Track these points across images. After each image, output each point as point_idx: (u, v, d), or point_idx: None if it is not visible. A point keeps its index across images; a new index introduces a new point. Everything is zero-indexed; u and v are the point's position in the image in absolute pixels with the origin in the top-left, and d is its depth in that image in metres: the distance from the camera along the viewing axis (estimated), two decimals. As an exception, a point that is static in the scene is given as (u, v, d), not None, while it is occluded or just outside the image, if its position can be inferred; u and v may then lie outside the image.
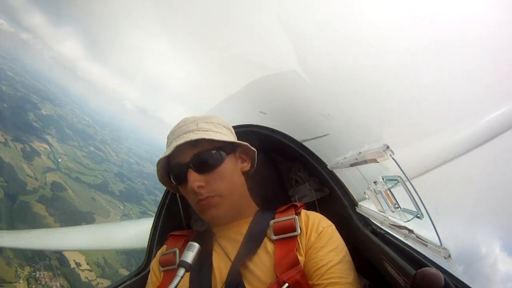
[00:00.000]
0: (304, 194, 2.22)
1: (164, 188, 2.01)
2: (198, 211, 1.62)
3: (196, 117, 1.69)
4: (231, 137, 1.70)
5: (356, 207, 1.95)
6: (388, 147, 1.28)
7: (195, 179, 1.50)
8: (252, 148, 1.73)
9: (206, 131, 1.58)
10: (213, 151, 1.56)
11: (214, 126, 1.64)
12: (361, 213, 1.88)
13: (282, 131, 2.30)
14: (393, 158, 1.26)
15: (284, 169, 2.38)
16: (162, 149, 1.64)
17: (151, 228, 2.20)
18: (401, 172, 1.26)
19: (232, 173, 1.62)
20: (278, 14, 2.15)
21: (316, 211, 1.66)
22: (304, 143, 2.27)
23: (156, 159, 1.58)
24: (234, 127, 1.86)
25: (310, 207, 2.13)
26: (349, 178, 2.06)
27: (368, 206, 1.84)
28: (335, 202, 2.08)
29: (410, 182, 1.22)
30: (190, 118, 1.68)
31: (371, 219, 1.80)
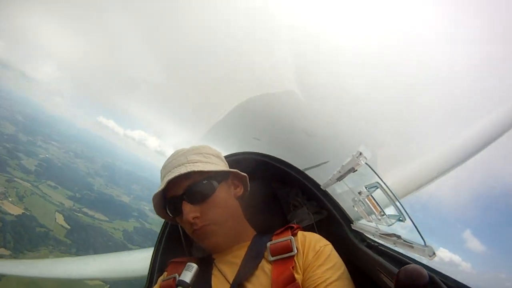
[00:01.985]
0: (303, 218, 2.22)
1: None
2: (195, 240, 1.67)
3: (186, 149, 1.76)
4: (221, 164, 1.77)
5: (351, 224, 1.98)
6: (360, 153, 1.33)
7: (189, 210, 1.56)
8: (242, 173, 1.79)
9: (196, 162, 1.65)
10: (204, 182, 1.62)
11: (203, 156, 1.71)
12: (357, 229, 1.91)
13: (276, 155, 2.37)
14: (366, 163, 1.32)
15: (282, 194, 2.40)
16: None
17: (152, 256, 2.23)
18: (377, 176, 1.32)
19: (226, 200, 1.67)
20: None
21: (315, 233, 1.68)
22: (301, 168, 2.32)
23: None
24: (232, 155, 1.94)
25: (309, 230, 2.06)
26: (344, 197, 2.09)
27: (363, 223, 1.87)
28: (332, 222, 2.11)
29: (387, 187, 1.28)
30: (180, 151, 1.75)
31: (365, 234, 1.82)
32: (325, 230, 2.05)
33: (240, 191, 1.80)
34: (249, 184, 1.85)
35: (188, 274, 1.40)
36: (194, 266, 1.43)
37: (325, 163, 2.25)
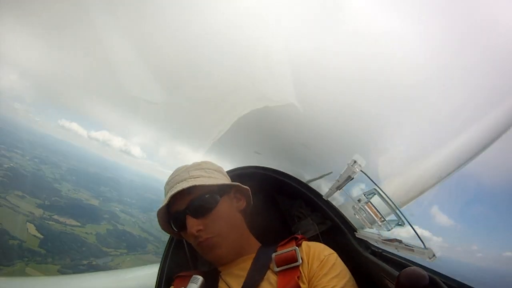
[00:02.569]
0: (307, 229, 2.24)
1: None
2: (200, 252, 1.70)
3: (187, 165, 1.81)
4: (223, 179, 1.81)
5: (355, 232, 1.98)
6: (355, 162, 1.36)
7: (193, 224, 1.59)
8: (244, 186, 1.82)
9: (197, 177, 1.69)
10: (206, 196, 1.66)
11: (204, 171, 1.76)
12: (360, 237, 1.91)
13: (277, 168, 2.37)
14: (361, 171, 1.34)
15: (286, 206, 2.42)
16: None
17: (158, 272, 2.24)
18: (373, 183, 1.34)
19: (228, 213, 1.70)
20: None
21: (319, 243, 1.70)
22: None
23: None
24: (234, 170, 1.97)
25: (314, 240, 2.06)
26: (347, 206, 2.09)
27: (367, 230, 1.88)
28: (336, 231, 2.12)
29: (383, 192, 1.31)
30: (182, 167, 1.80)
31: (369, 241, 1.82)
32: (330, 240, 2.06)
33: (242, 204, 1.83)
34: (251, 198, 1.87)
35: (193, 287, 1.43)
36: (199, 279, 1.46)
37: (329, 174, 2.26)
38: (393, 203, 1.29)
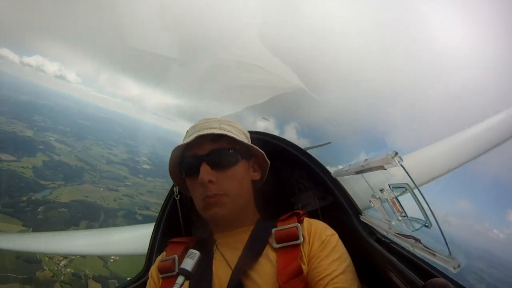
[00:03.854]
0: (307, 202, 2.22)
1: None
2: (201, 208, 1.59)
3: (219, 118, 1.73)
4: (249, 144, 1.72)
5: (360, 215, 1.94)
6: (396, 154, 1.25)
7: (207, 172, 1.50)
8: (267, 159, 1.75)
9: (228, 131, 1.59)
10: (230, 151, 1.59)
11: (235, 129, 1.67)
12: (365, 221, 1.87)
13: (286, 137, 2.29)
14: (401, 165, 1.25)
15: (286, 174, 2.38)
16: None
17: (151, 235, 2.20)
18: (410, 179, 1.24)
19: (243, 177, 1.62)
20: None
21: (319, 220, 1.64)
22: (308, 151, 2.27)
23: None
24: None
25: (313, 215, 2.06)
26: (353, 187, 2.07)
27: (372, 215, 1.84)
28: (339, 210, 2.07)
29: (419, 190, 1.21)
30: (212, 118, 1.72)
31: (375, 228, 1.79)
32: (331, 218, 2.00)
33: (257, 175, 1.76)
34: (267, 173, 1.82)
35: (190, 262, 1.36)
36: (196, 254, 1.39)
37: (328, 144, 2.19)
38: (426, 203, 1.19)
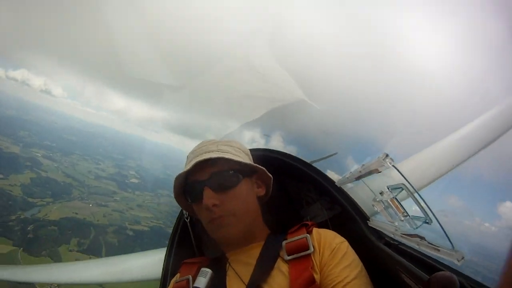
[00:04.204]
0: (316, 214, 2.23)
1: None
2: (210, 230, 1.62)
3: (216, 140, 1.75)
4: (248, 161, 1.73)
5: (368, 221, 1.96)
6: (387, 156, 1.28)
7: (210, 196, 1.52)
8: (269, 174, 1.76)
9: (226, 152, 1.62)
10: (230, 172, 1.60)
11: (233, 149, 1.69)
12: (374, 226, 1.89)
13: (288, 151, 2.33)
14: (393, 166, 1.28)
15: (294, 190, 2.39)
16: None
17: (164, 258, 2.22)
18: (404, 179, 1.28)
19: (247, 196, 1.64)
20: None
21: (329, 229, 1.66)
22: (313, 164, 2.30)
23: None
24: None
25: (323, 226, 2.04)
26: (359, 194, 2.08)
27: (380, 219, 1.86)
28: (347, 218, 2.09)
29: (413, 188, 1.24)
30: (210, 140, 1.74)
31: (383, 232, 1.81)
32: (340, 227, 2.01)
33: (261, 191, 1.78)
34: (271, 187, 1.83)
35: (202, 280, 1.41)
36: (208, 272, 1.44)
37: (334, 154, 2.23)
38: (423, 200, 1.22)
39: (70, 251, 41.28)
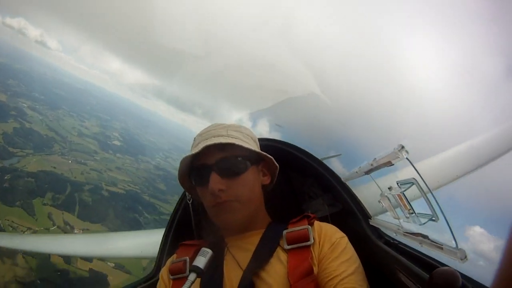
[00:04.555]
0: (317, 209, 2.22)
1: None
2: (213, 215, 1.62)
3: (226, 124, 1.72)
4: (256, 149, 1.71)
5: (369, 219, 1.96)
6: (403, 147, 1.27)
7: (216, 181, 1.52)
8: (275, 163, 1.74)
9: (236, 138, 1.61)
10: (239, 158, 1.59)
11: (242, 135, 1.67)
12: (375, 225, 1.89)
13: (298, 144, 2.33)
14: (407, 158, 1.26)
15: (298, 183, 2.39)
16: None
17: (162, 237, 2.22)
18: (416, 173, 1.26)
19: (253, 183, 1.64)
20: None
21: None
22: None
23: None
24: None
25: (323, 220, 1.97)
26: (363, 192, 2.09)
27: (382, 218, 1.86)
28: (348, 215, 2.10)
29: (425, 183, 1.23)
30: (220, 124, 1.71)
31: (384, 231, 1.81)
32: (340, 223, 1.94)
33: (267, 180, 1.77)
34: (276, 177, 1.82)
35: (202, 260, 1.38)
36: (208, 252, 1.41)
37: (338, 155, 2.22)
38: (433, 196, 1.21)
39: (44, 204, 40.80)
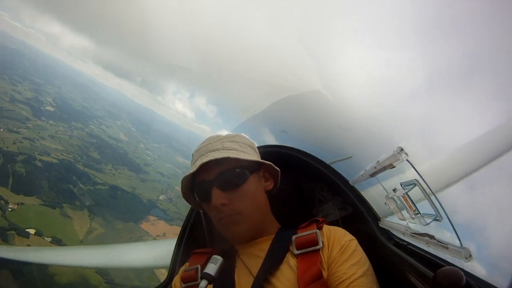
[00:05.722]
0: (328, 213, 2.23)
1: None
2: (219, 228, 1.64)
3: (221, 136, 1.72)
4: (255, 156, 1.72)
5: (379, 221, 1.97)
6: (402, 149, 1.28)
7: (218, 196, 1.53)
8: (276, 167, 1.75)
9: (231, 150, 1.61)
10: (237, 170, 1.59)
11: (238, 145, 1.67)
12: (384, 227, 1.90)
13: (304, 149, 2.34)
14: (407, 160, 1.28)
15: (308, 188, 2.39)
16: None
17: (175, 246, 2.22)
18: (417, 174, 1.29)
19: (255, 192, 1.64)
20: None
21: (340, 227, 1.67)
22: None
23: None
24: (259, 147, 1.92)
25: (333, 224, 1.96)
26: (372, 195, 2.09)
27: (391, 220, 1.87)
28: (358, 218, 2.11)
29: (426, 184, 1.24)
30: (215, 137, 1.71)
31: (393, 232, 1.82)
32: (351, 226, 1.93)
33: (270, 185, 1.77)
34: (279, 180, 1.82)
35: (213, 267, 1.40)
36: (219, 259, 1.44)
37: (349, 158, 2.25)
38: (435, 197, 1.23)
39: (-27, 179, 37.96)
